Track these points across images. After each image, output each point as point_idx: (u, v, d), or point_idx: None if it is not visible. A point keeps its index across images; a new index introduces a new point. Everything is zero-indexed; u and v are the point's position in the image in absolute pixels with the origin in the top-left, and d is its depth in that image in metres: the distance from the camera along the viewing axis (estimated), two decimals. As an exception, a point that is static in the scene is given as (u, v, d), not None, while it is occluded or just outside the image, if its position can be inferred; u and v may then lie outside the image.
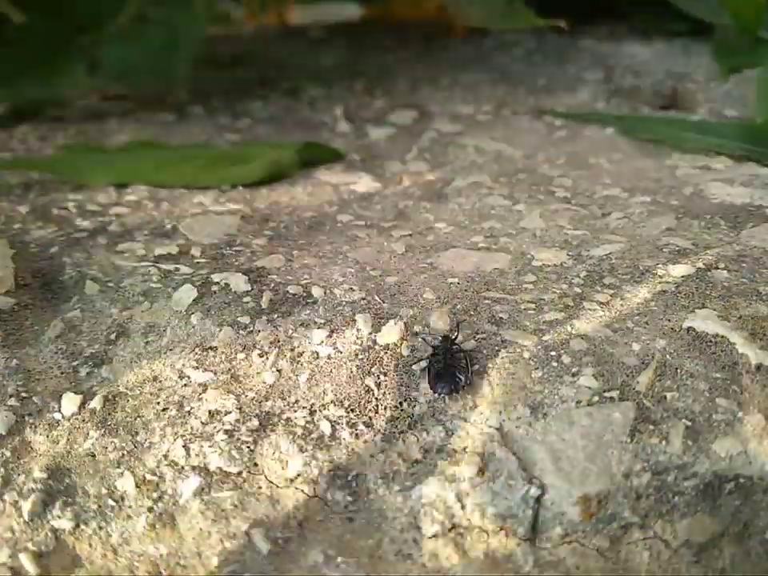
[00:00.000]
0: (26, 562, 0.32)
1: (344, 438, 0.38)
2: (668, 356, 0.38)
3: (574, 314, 0.42)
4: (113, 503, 0.35)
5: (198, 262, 0.51)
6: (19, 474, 0.36)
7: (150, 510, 0.35)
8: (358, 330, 0.43)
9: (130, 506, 0.35)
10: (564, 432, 0.35)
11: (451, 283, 0.46)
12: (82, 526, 0.34)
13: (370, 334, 0.43)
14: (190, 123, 0.81)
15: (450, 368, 0.38)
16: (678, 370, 0.37)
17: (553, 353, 0.39)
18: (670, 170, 0.63)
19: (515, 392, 0.37)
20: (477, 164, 0.66)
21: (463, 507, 0.33)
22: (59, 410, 0.40)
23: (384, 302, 0.45)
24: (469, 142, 0.70)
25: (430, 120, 0.79)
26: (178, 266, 0.50)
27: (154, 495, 0.35)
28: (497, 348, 0.40)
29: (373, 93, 0.89)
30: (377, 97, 0.88)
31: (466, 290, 0.45)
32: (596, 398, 0.36)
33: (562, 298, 0.44)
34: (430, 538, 0.33)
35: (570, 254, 0.49)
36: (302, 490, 0.35)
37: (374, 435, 0.38)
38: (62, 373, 0.43)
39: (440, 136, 0.75)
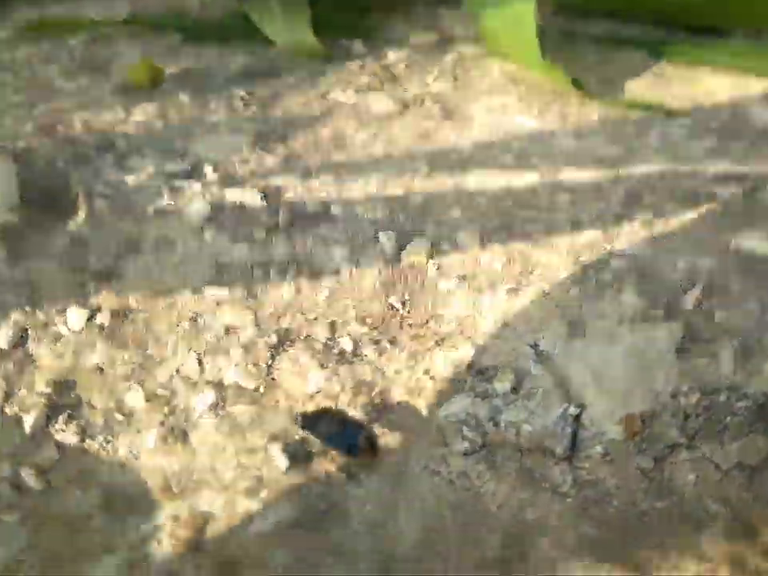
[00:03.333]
0: (28, 476, 0.30)
1: (367, 355, 0.36)
2: (716, 275, 0.36)
3: (614, 232, 0.39)
4: (121, 418, 0.33)
5: (210, 179, 0.48)
6: (21, 388, 0.34)
7: (162, 424, 0.33)
8: (381, 247, 0.41)
9: (139, 421, 0.33)
10: (605, 350, 0.32)
11: (479, 202, 0.43)
12: (88, 441, 0.32)
13: (395, 251, 0.40)
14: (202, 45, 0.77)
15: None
16: (727, 289, 0.35)
17: (591, 271, 0.36)
18: (708, 94, 0.59)
19: (550, 309, 0.35)
20: (503, 86, 0.62)
21: (496, 425, 0.31)
22: (65, 324, 0.38)
23: (409, 220, 0.42)
24: (494, 64, 0.66)
25: (451, 42, 0.75)
26: (189, 182, 0.47)
27: (165, 410, 0.33)
28: (531, 267, 0.37)
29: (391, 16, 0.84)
30: (395, 20, 0.83)
31: (496, 207, 0.42)
32: (639, 316, 0.34)
33: (600, 216, 0.41)
34: (459, 455, 0.31)
35: (606, 173, 0.46)
36: (323, 406, 0.33)
37: (399, 352, 0.36)
38: (68, 287, 0.40)
39: (462, 58, 0.71)
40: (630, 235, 0.39)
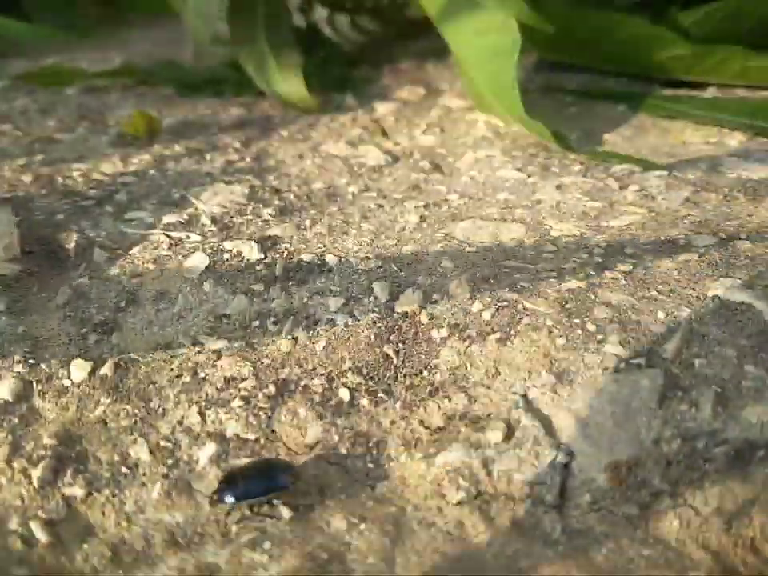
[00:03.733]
0: (36, 529, 0.31)
1: (363, 406, 0.37)
2: (694, 324, 0.37)
3: (597, 282, 0.41)
4: (126, 470, 0.34)
5: (208, 230, 0.49)
6: (28, 441, 0.35)
7: (165, 476, 0.34)
8: (375, 297, 0.42)
9: (144, 474, 0.34)
10: (591, 399, 0.34)
11: (469, 252, 0.45)
12: (95, 494, 0.33)
13: (388, 301, 0.42)
14: (197, 98, 0.79)
15: None
16: (706, 338, 0.36)
17: (576, 320, 0.38)
18: (684, 146, 0.62)
19: (539, 359, 0.36)
20: (488, 139, 0.65)
21: (489, 474, 0.33)
22: (68, 377, 0.39)
23: (401, 271, 0.44)
24: (479, 118, 0.69)
25: (437, 96, 0.78)
26: (188, 233, 0.49)
27: (169, 462, 0.34)
28: (518, 316, 0.39)
29: (379, 69, 0.87)
30: (383, 74, 0.86)
31: (484, 259, 0.44)
32: (623, 365, 0.35)
33: (584, 267, 0.43)
34: (455, 505, 0.32)
35: (588, 224, 0.48)
36: (322, 458, 0.34)
37: (395, 403, 0.37)
38: (70, 340, 0.42)
39: (449, 112, 0.73)
40: (612, 285, 0.41)
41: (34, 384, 0.38)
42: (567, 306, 0.39)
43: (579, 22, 0.75)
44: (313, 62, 0.83)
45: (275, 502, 0.32)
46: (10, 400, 0.37)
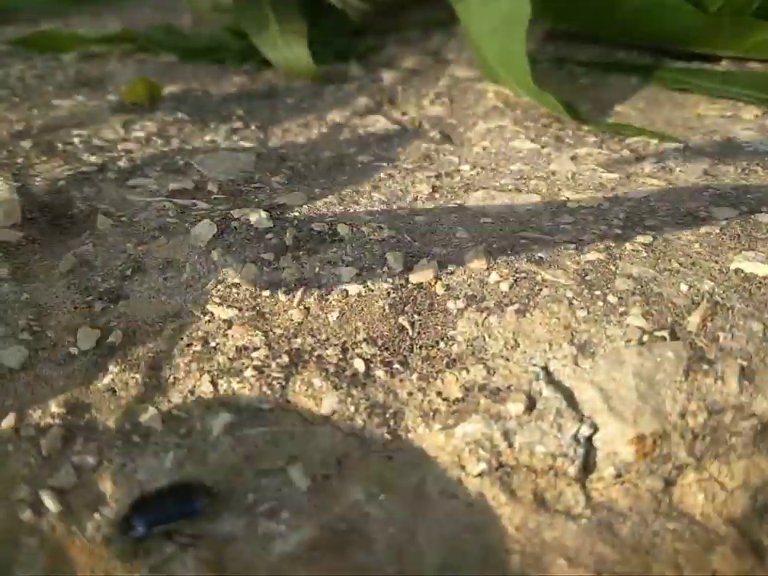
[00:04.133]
0: (46, 498, 0.30)
1: (379, 377, 0.36)
2: (717, 297, 0.37)
3: (617, 254, 0.40)
4: (138, 439, 0.33)
5: (215, 198, 0.48)
6: (35, 410, 0.34)
7: (178, 446, 0.33)
8: (388, 268, 0.41)
9: (155, 443, 0.33)
10: (614, 371, 0.33)
11: (484, 223, 0.44)
12: (106, 463, 0.32)
13: (402, 272, 0.41)
14: (198, 64, 0.77)
15: None
16: (730, 311, 0.36)
17: (597, 292, 0.37)
18: (699, 119, 0.61)
19: (559, 331, 0.35)
20: (498, 109, 0.63)
21: (510, 446, 0.32)
22: (75, 345, 0.38)
23: (415, 241, 0.43)
24: (489, 88, 0.68)
25: (445, 66, 0.76)
26: (194, 201, 0.48)
27: (182, 431, 0.33)
28: (537, 287, 0.38)
29: (385, 39, 0.85)
30: (389, 43, 0.84)
31: (500, 230, 0.43)
32: (646, 338, 0.34)
33: (603, 238, 0.42)
34: (475, 477, 0.31)
35: (605, 196, 0.47)
36: (339, 428, 0.34)
37: (411, 374, 0.36)
38: (75, 308, 0.40)
39: (457, 81, 0.72)
40: (633, 257, 0.40)
41: (40, 352, 0.37)
42: (587, 277, 0.38)
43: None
44: (317, 31, 0.81)
45: (291, 469, 0.31)
46: (16, 368, 0.36)
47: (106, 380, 0.36)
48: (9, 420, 0.34)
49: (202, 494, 0.31)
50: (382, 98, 0.68)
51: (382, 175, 0.52)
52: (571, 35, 0.80)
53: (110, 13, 1.08)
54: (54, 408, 0.34)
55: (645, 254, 0.40)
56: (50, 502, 0.30)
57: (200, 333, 0.39)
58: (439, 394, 0.35)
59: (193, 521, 0.30)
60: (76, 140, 0.57)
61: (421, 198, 0.48)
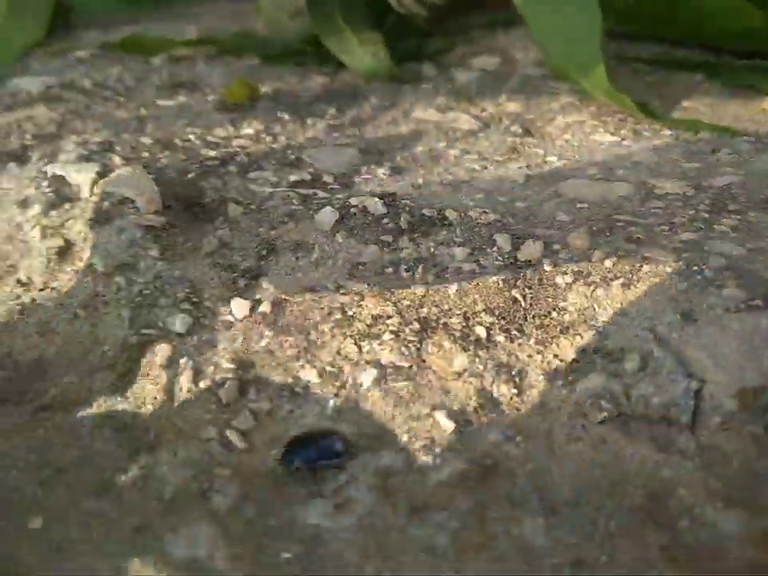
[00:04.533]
0: (232, 436, 0.36)
1: (500, 341, 0.41)
2: (804, 271, 0.41)
3: (708, 235, 0.45)
4: (300, 390, 0.38)
5: (332, 188, 0.53)
6: (208, 367, 0.40)
7: (336, 395, 0.38)
8: (498, 248, 0.46)
9: (316, 393, 0.38)
10: (716, 335, 0.38)
11: (581, 208, 0.49)
12: (277, 409, 0.37)
13: (511, 251, 0.46)
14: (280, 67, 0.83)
15: None
16: (816, 283, 0.40)
17: (695, 268, 0.42)
18: (765, 114, 0.65)
19: (663, 301, 0.40)
20: (574, 105, 0.68)
21: (628, 398, 0.37)
22: (231, 313, 0.43)
23: (519, 224, 0.48)
24: (560, 85, 0.72)
25: (514, 64, 0.81)
26: (314, 191, 0.53)
27: (337, 383, 0.39)
28: (639, 264, 0.43)
29: (452, 40, 0.90)
30: (457, 44, 0.89)
31: (597, 214, 0.48)
32: (742, 306, 0.39)
33: (693, 221, 0.46)
34: (597, 424, 0.36)
35: (689, 184, 0.51)
36: (471, 383, 0.39)
37: (528, 339, 0.41)
38: (222, 283, 0.46)
39: (528, 79, 0.76)
40: (722, 237, 0.44)
41: (201, 319, 0.43)
42: (684, 255, 0.43)
43: (653, -7, 0.77)
44: (388, 36, 0.86)
45: (436, 414, 0.36)
46: (183, 332, 0.42)
47: (264, 342, 0.41)
48: (188, 375, 0.39)
49: (343, 443, 0.36)
50: (459, 97, 0.73)
51: (476, 166, 0.57)
52: (632, 35, 0.84)
53: (181, 19, 1.14)
54: (225, 365, 0.40)
55: (733, 235, 0.45)
56: (236, 440, 0.36)
57: (337, 304, 0.44)
58: (556, 356, 0.40)
59: (333, 462, 0.35)
60: (191, 137, 0.62)
61: (517, 186, 0.53)
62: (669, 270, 0.42)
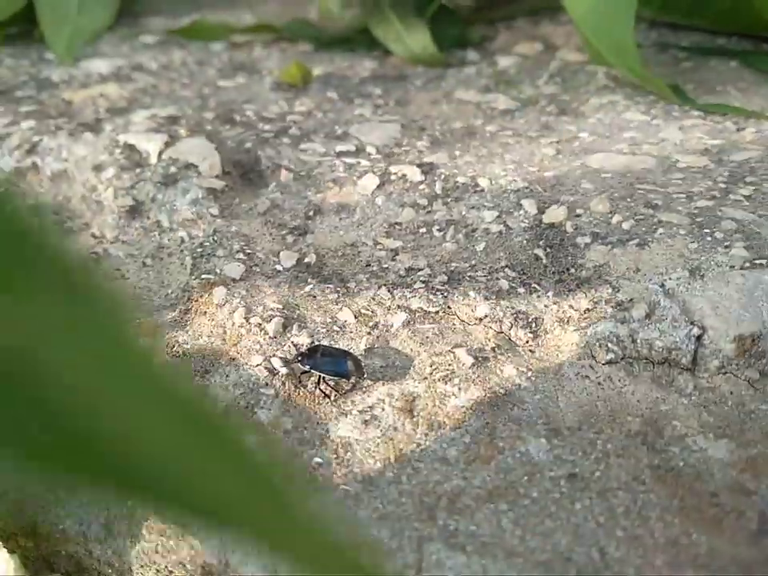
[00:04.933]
0: (276, 363, 0.41)
1: (520, 293, 0.45)
2: (811, 236, 0.43)
3: (722, 202, 0.47)
4: (337, 329, 0.43)
5: (374, 158, 0.58)
6: (258, 306, 0.45)
7: (369, 334, 0.43)
8: (524, 211, 0.50)
9: (351, 332, 0.43)
10: (720, 288, 0.41)
11: (605, 177, 0.52)
12: (316, 342, 0.42)
13: (536, 215, 0.49)
14: (332, 53, 0.88)
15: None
16: (821, 246, 0.43)
17: (706, 230, 0.45)
18: (798, 97, 0.66)
19: (674, 259, 0.43)
20: (609, 87, 0.71)
21: (634, 341, 0.40)
22: (279, 263, 0.48)
23: (545, 191, 0.51)
24: (598, 69, 0.75)
25: (554, 50, 0.84)
26: (358, 160, 0.58)
27: (370, 324, 0.43)
28: (654, 227, 0.46)
29: (495, 28, 0.94)
30: (500, 31, 0.93)
31: (619, 182, 0.51)
32: (747, 264, 0.42)
33: (709, 191, 0.49)
34: (604, 364, 0.40)
35: (711, 159, 0.54)
36: (491, 327, 0.43)
37: (546, 292, 0.45)
38: (273, 238, 0.51)
39: (567, 64, 0.80)
40: (736, 205, 0.47)
41: (253, 268, 0.48)
42: (698, 219, 0.46)
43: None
44: (433, 24, 0.90)
45: (457, 351, 0.40)
46: (237, 278, 0.47)
47: (307, 288, 0.46)
48: (240, 312, 0.44)
49: (355, 365, 0.40)
50: (500, 80, 0.77)
51: (510, 141, 0.61)
52: (673, 24, 0.86)
53: (241, 7, 1.20)
54: (272, 305, 0.45)
55: (746, 203, 0.47)
56: (279, 366, 0.41)
57: (374, 258, 0.48)
58: (571, 306, 0.44)
59: (341, 378, 0.40)
60: (249, 113, 0.68)
61: (546, 158, 0.57)
62: (682, 232, 0.45)
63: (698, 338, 0.40)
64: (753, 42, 0.80)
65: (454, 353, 0.41)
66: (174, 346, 0.44)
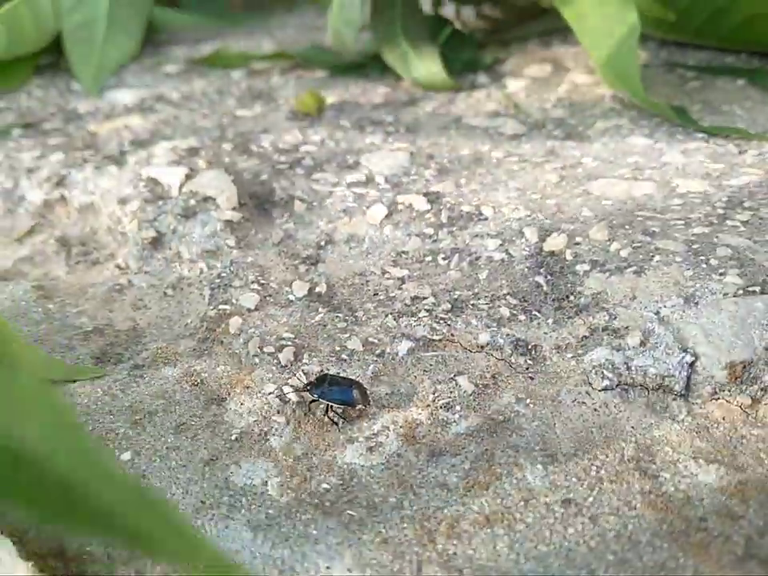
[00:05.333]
0: (289, 393, 0.43)
1: (521, 320, 0.47)
2: (804, 262, 0.45)
3: (719, 229, 0.49)
4: (345, 357, 0.45)
5: (382, 187, 0.60)
6: (271, 335, 0.47)
7: (375, 362, 0.45)
8: (526, 239, 0.52)
9: (358, 360, 0.45)
10: (713, 316, 0.42)
11: (605, 204, 0.54)
12: (325, 370, 0.44)
13: (537, 243, 0.51)
14: (346, 79, 0.91)
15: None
16: (814, 273, 0.44)
17: (702, 257, 0.46)
18: (803, 116, 0.67)
19: (669, 286, 0.45)
20: (615, 110, 0.72)
21: (629, 368, 0.42)
22: (292, 293, 0.51)
23: (547, 219, 0.53)
24: (606, 92, 0.77)
25: (564, 72, 0.86)
26: (367, 190, 0.60)
27: (377, 352, 0.45)
28: (651, 254, 0.47)
29: (507, 50, 0.96)
30: (511, 54, 0.95)
31: (619, 210, 0.53)
32: (741, 291, 0.43)
33: (707, 216, 0.50)
34: (600, 391, 0.41)
35: (711, 183, 0.55)
36: (492, 355, 0.45)
37: (546, 319, 0.46)
38: (286, 268, 0.54)
39: (576, 87, 0.81)
40: (732, 231, 0.48)
41: (267, 298, 0.51)
42: (694, 246, 0.47)
43: (699, 5, 0.80)
44: (445, 49, 0.92)
45: (459, 379, 0.42)
46: (252, 308, 0.50)
47: (318, 317, 0.49)
48: (254, 342, 0.47)
49: (361, 393, 0.42)
50: (509, 104, 0.79)
51: (515, 168, 0.63)
52: (682, 43, 0.87)
53: (258, 33, 1.24)
54: (284, 334, 0.47)
55: (742, 229, 0.48)
56: (291, 395, 0.43)
57: (381, 287, 0.51)
58: (570, 333, 0.45)
59: (348, 406, 0.41)
60: (265, 143, 0.71)
61: (549, 185, 0.58)
62: (678, 259, 0.46)
63: (691, 364, 0.41)
64: (761, 60, 0.81)
65: (455, 380, 0.43)
66: (192, 375, 0.46)
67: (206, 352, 0.48)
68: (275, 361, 0.45)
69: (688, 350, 0.41)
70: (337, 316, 0.48)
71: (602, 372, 0.42)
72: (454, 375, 0.43)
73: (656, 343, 0.42)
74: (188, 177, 0.63)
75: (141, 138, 0.75)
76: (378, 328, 0.47)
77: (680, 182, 0.56)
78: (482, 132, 0.72)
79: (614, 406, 0.41)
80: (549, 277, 0.49)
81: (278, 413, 0.42)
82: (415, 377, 0.44)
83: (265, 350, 0.46)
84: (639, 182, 0.57)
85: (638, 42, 0.69)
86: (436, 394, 0.42)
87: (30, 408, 0.17)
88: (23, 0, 0.88)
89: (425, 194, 0.58)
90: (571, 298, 0.47)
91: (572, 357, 0.44)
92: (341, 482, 0.38)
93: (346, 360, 0.45)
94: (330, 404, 0.41)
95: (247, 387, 0.44)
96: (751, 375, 0.40)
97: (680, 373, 0.41)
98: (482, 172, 0.63)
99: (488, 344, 0.45)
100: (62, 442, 0.17)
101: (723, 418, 0.40)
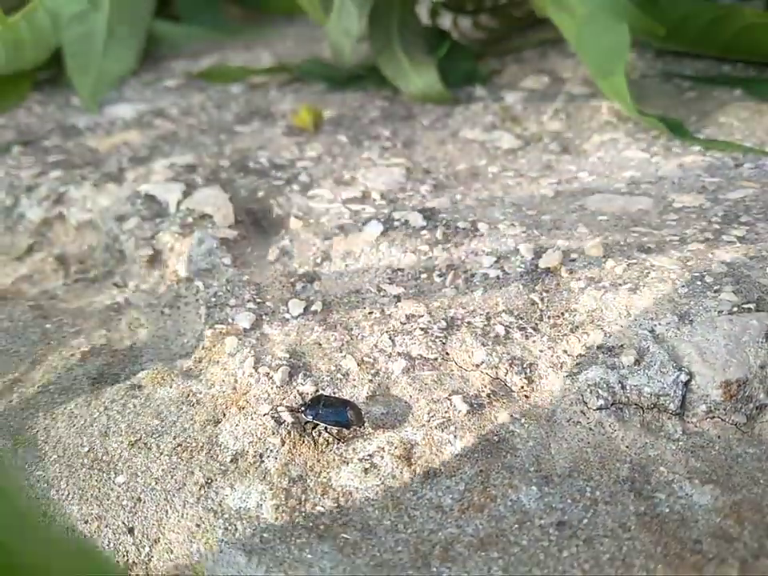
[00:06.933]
0: (283, 413, 0.43)
1: (516, 338, 0.47)
2: (800, 278, 0.44)
3: (714, 245, 0.49)
4: (341, 377, 0.45)
5: (378, 204, 0.60)
6: (266, 355, 0.47)
7: (371, 381, 0.45)
8: (521, 256, 0.52)
9: (354, 379, 0.45)
10: (708, 334, 0.42)
11: (601, 220, 0.54)
12: (320, 391, 0.44)
13: (532, 259, 0.51)
14: (344, 92, 0.91)
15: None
16: (809, 289, 0.44)
17: (696, 274, 0.46)
18: (800, 127, 0.67)
19: (664, 304, 0.45)
20: (611, 123, 0.72)
21: (623, 387, 0.42)
22: (288, 312, 0.51)
23: (542, 235, 0.53)
24: (602, 104, 0.77)
25: (561, 84, 0.86)
26: (363, 206, 0.60)
27: (372, 371, 0.45)
28: (646, 271, 0.47)
29: (504, 61, 0.96)
30: (508, 65, 0.95)
31: (615, 226, 0.53)
32: (735, 309, 0.43)
33: (703, 232, 0.50)
34: (595, 410, 0.41)
35: (707, 197, 0.55)
36: (487, 373, 0.45)
37: (542, 337, 0.46)
38: (283, 286, 0.54)
39: (572, 98, 0.81)
40: (727, 247, 0.48)
41: (263, 316, 0.51)
42: (689, 263, 0.47)
43: (695, 15, 0.80)
44: (443, 61, 0.92)
45: (454, 398, 0.42)
46: (247, 327, 0.50)
47: (314, 336, 0.49)
48: (249, 362, 0.47)
49: (356, 414, 0.42)
50: (506, 116, 0.79)
51: (511, 183, 0.63)
52: (679, 53, 0.87)
53: (257, 46, 1.24)
54: (280, 354, 0.47)
55: (738, 245, 0.48)
56: (285, 416, 0.43)
57: (377, 304, 0.51)
58: (565, 351, 0.45)
59: (342, 427, 0.41)
60: (263, 160, 0.71)
61: (545, 201, 0.58)
62: (673, 276, 0.46)
63: (686, 383, 0.41)
64: (757, 69, 0.81)
65: (450, 399, 0.43)
66: (188, 395, 0.46)
67: (203, 372, 0.48)
68: (270, 380, 0.46)
69: (683, 368, 0.41)
70: (332, 335, 0.48)
71: (597, 391, 0.42)
72: (449, 395, 0.43)
73: (651, 362, 0.42)
74: (185, 194, 0.63)
75: (139, 155, 0.75)
76: (374, 347, 0.47)
77: (676, 196, 0.56)
78: (478, 146, 0.72)
79: (609, 426, 0.41)
80: (544, 294, 0.49)
81: (273, 434, 0.42)
82: (410, 396, 0.44)
83: (260, 370, 0.46)
84: (635, 196, 0.57)
85: (629, 54, 0.69)
86: (431, 414, 0.42)
87: None
88: (22, 15, 0.88)
89: (420, 210, 0.58)
90: (566, 315, 0.47)
91: (567, 375, 0.43)
92: (335, 504, 0.38)
93: (341, 380, 0.45)
94: (325, 426, 0.41)
95: (242, 408, 0.44)
96: (746, 394, 0.40)
97: (675, 392, 0.41)
98: (478, 187, 0.63)
99: (483, 362, 0.45)
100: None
101: (718, 437, 0.40)
